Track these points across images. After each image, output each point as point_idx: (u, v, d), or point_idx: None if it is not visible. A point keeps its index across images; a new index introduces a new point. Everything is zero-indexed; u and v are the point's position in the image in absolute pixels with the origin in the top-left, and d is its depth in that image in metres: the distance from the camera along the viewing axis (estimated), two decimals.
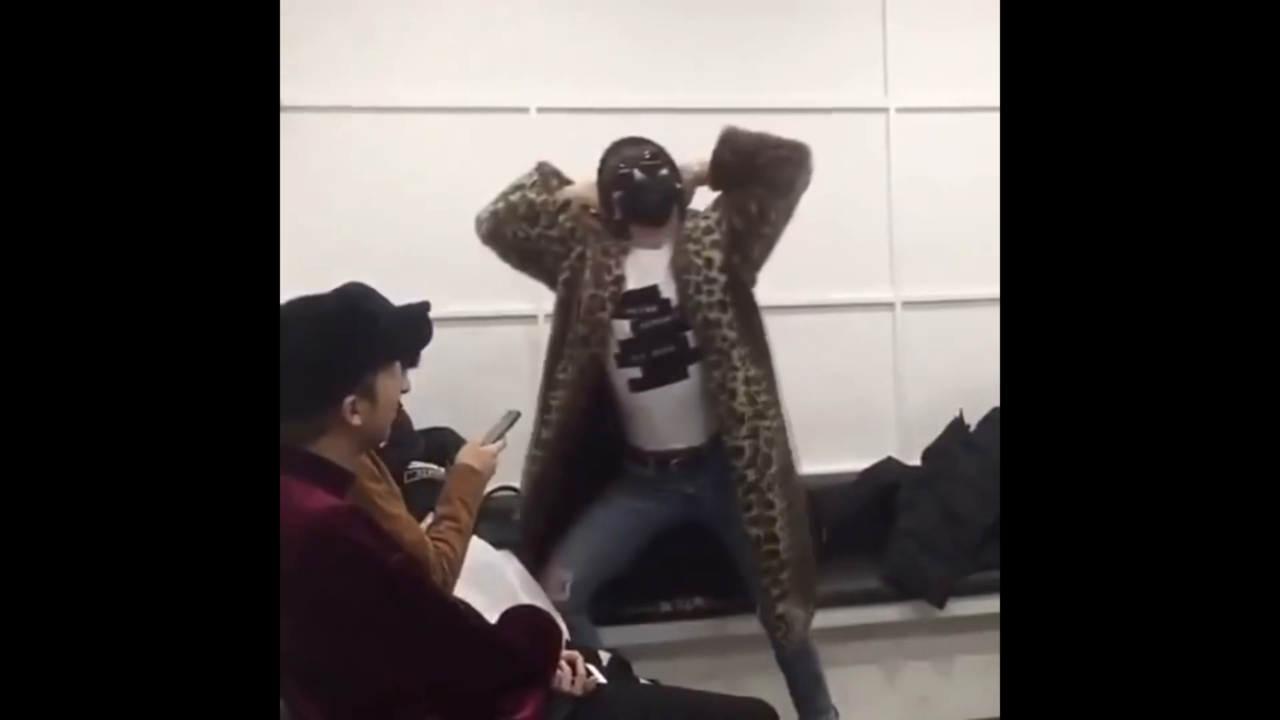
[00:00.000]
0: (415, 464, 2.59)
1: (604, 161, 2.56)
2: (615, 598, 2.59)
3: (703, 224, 2.49)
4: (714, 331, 2.42)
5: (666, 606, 2.71)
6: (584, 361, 2.47)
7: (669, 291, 2.48)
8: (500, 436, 2.00)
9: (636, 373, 2.47)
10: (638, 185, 2.48)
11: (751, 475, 2.43)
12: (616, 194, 2.50)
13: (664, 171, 2.51)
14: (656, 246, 2.52)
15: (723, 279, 2.43)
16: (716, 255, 2.44)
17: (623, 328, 2.47)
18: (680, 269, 2.44)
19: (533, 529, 2.54)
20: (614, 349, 2.48)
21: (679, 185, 2.53)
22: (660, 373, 2.47)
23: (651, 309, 2.47)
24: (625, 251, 2.51)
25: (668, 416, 2.50)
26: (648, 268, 2.51)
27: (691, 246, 2.45)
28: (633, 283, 2.49)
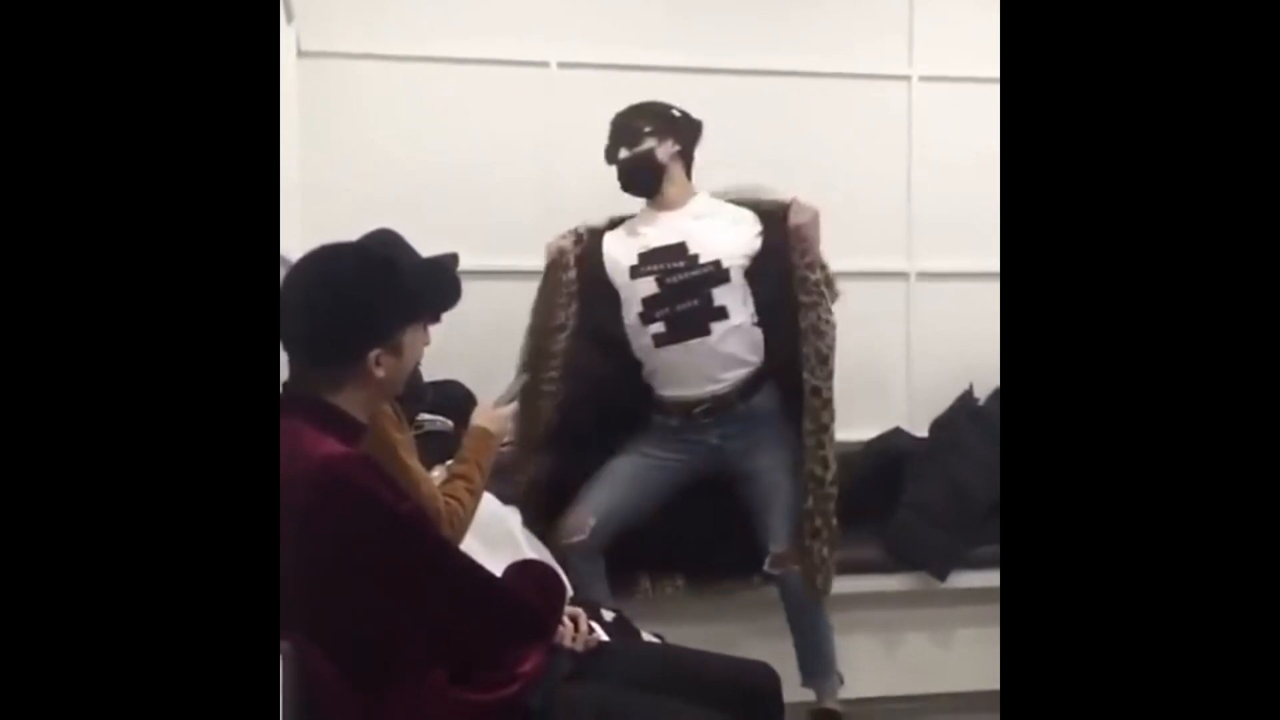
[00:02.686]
0: (424, 416, 2.59)
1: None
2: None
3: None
4: (811, 275, 2.51)
5: (645, 583, 2.71)
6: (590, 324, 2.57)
7: (697, 247, 2.51)
8: (514, 399, 2.02)
9: (660, 328, 2.53)
10: (624, 169, 2.60)
11: (825, 417, 2.51)
12: (617, 175, 2.60)
13: (645, 145, 2.57)
14: (675, 206, 2.54)
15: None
16: None
17: (647, 284, 2.52)
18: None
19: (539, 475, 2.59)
20: (637, 308, 2.54)
21: (659, 158, 2.59)
22: (683, 328, 2.52)
23: (679, 264, 2.53)
24: (644, 220, 2.59)
25: (694, 368, 2.55)
26: (669, 226, 2.55)
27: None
28: (655, 240, 2.52)
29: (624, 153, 2.60)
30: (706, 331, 2.52)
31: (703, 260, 2.52)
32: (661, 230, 2.57)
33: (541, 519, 2.50)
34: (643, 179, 2.61)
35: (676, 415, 2.59)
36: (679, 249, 2.54)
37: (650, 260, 2.54)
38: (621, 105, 2.98)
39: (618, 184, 2.63)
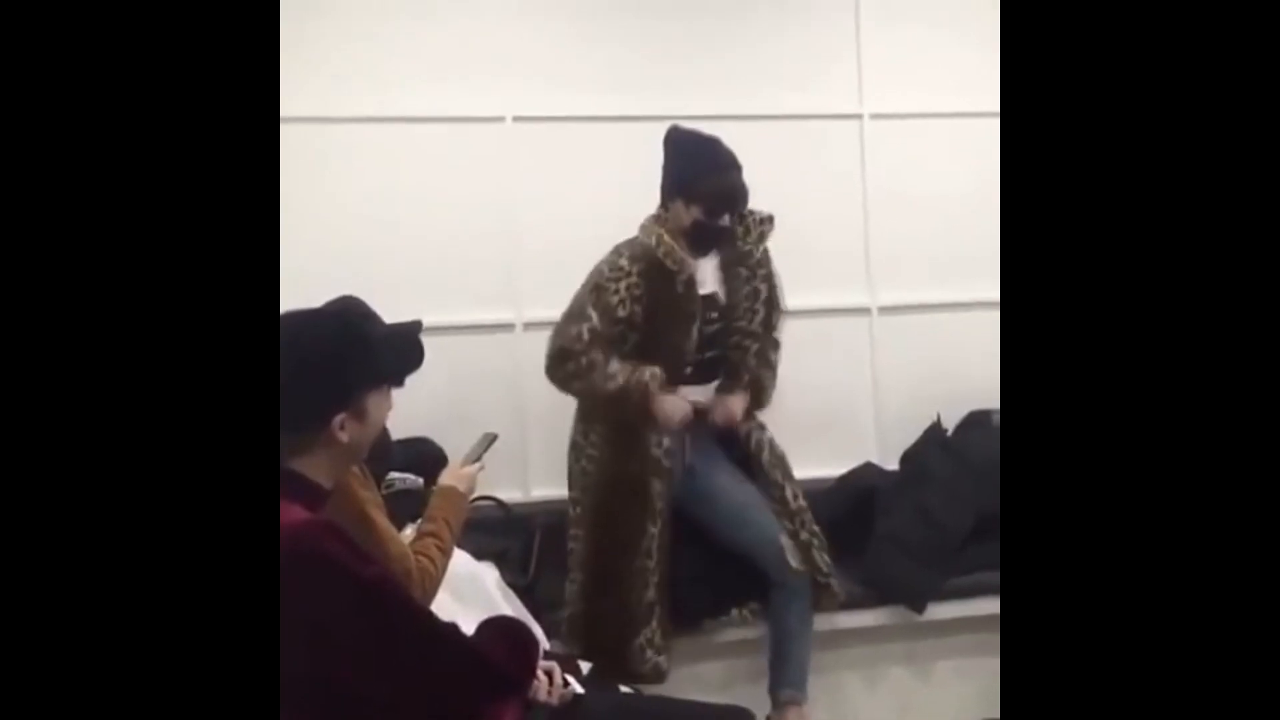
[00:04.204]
0: (394, 474, 2.59)
1: (703, 179, 2.59)
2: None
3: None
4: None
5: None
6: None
7: (722, 295, 2.65)
8: (479, 458, 2.03)
9: (687, 370, 2.62)
10: (723, 231, 2.62)
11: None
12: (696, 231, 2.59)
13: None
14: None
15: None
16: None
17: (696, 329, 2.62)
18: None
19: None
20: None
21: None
22: (704, 373, 2.64)
23: (714, 314, 2.65)
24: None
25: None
26: (708, 272, 2.66)
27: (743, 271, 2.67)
28: (705, 287, 2.64)
29: (727, 220, 2.61)
30: (716, 377, 2.67)
31: (725, 308, 2.65)
32: (703, 275, 2.65)
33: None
34: (726, 237, 2.65)
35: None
36: (714, 299, 2.66)
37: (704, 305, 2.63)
38: (577, 156, 3.02)
39: (703, 225, 2.59)
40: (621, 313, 2.54)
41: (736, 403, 2.66)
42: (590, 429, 2.62)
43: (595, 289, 2.57)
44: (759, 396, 2.75)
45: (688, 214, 2.57)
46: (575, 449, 2.66)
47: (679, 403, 2.57)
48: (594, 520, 2.57)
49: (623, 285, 2.55)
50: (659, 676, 2.47)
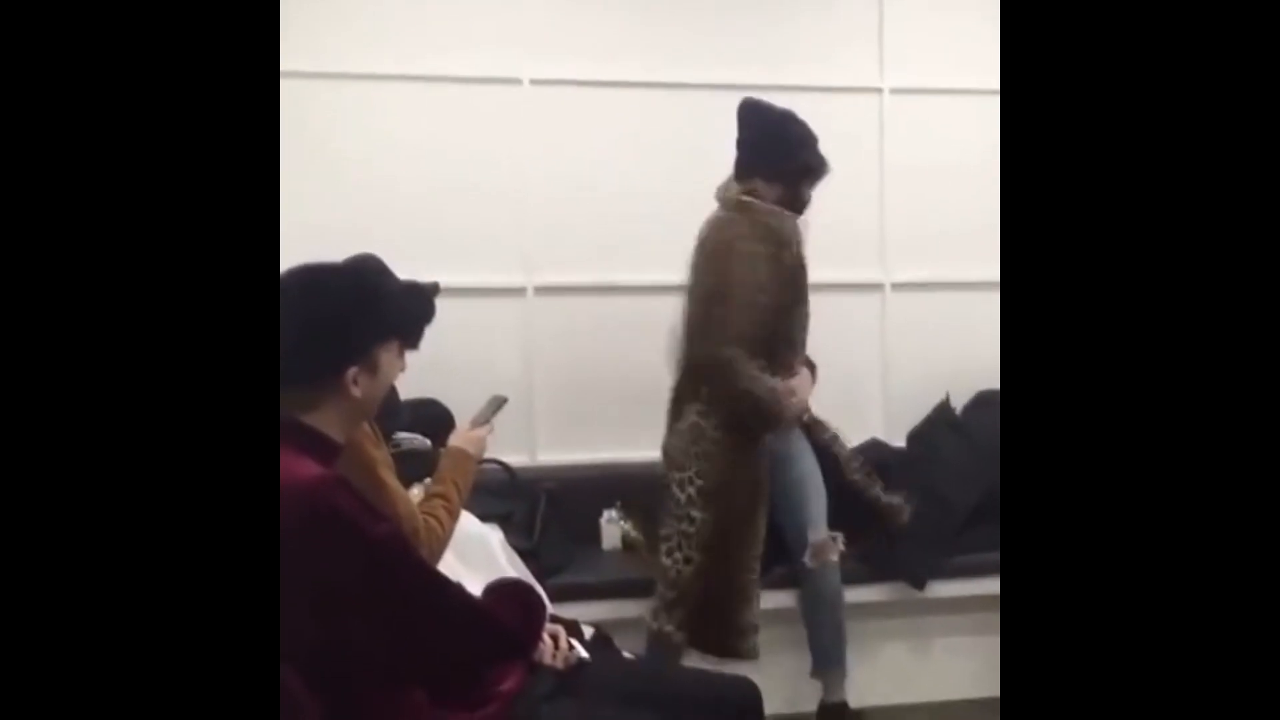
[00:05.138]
0: (401, 435, 2.59)
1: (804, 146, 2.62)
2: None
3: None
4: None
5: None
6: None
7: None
8: (488, 421, 2.02)
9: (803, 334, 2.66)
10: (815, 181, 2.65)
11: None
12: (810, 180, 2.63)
13: None
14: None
15: None
16: None
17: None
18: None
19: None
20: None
21: None
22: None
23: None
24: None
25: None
26: None
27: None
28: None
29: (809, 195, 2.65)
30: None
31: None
32: None
33: None
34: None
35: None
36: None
37: None
38: (593, 122, 3.01)
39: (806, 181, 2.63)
40: (764, 299, 2.50)
41: (808, 387, 2.67)
42: (712, 412, 2.55)
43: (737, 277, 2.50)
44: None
45: (770, 190, 2.57)
46: (696, 431, 2.55)
47: (801, 402, 2.63)
48: (720, 505, 2.53)
49: (762, 269, 2.51)
50: (756, 655, 2.51)
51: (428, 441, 2.59)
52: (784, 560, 2.67)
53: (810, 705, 2.70)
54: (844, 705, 2.68)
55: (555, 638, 1.72)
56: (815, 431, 2.74)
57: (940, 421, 3.17)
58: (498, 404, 2.09)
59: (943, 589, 2.89)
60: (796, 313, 2.59)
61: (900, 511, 2.80)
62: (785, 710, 2.70)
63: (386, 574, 1.38)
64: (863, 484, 2.77)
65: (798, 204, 2.60)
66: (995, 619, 1.44)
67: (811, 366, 2.71)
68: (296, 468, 1.38)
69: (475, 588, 1.62)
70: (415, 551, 1.53)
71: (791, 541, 2.65)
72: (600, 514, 3.07)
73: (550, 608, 1.89)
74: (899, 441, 3.22)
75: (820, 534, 2.63)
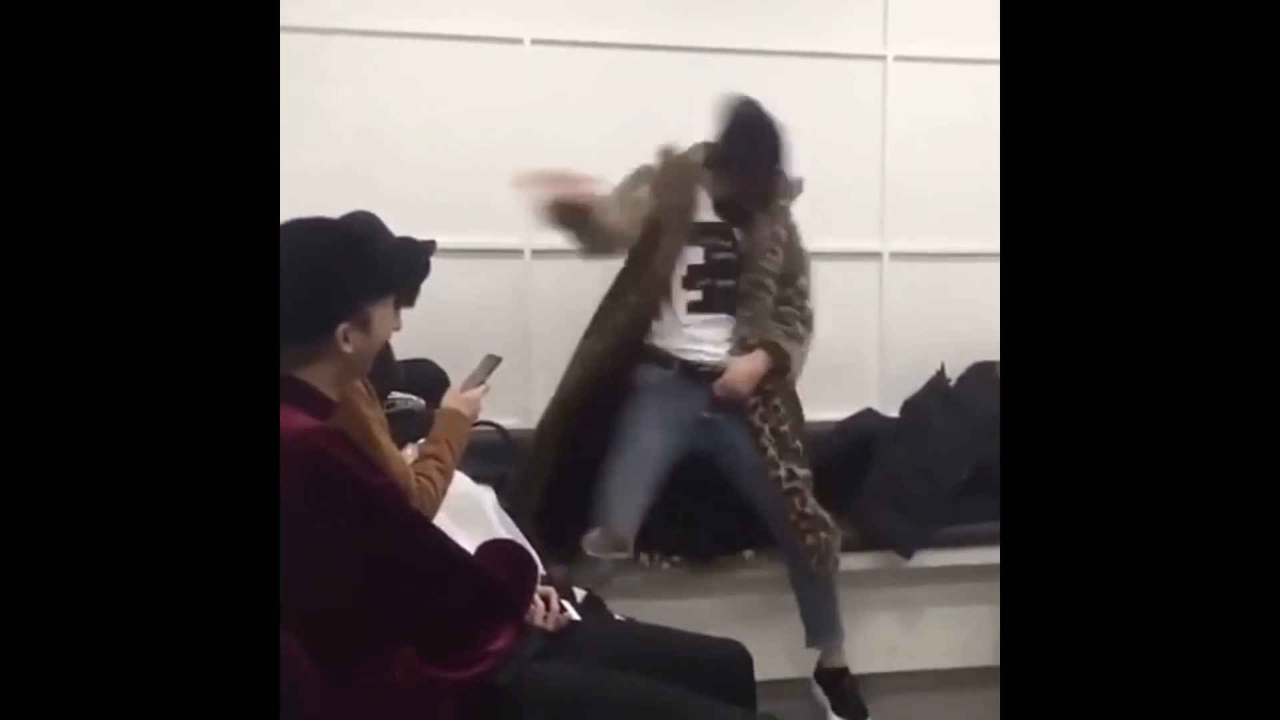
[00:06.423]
0: (396, 394, 2.58)
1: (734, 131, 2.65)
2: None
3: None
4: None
5: (644, 559, 2.75)
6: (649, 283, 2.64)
7: (739, 233, 2.69)
8: (482, 381, 2.02)
9: (698, 295, 2.66)
10: (755, 177, 2.67)
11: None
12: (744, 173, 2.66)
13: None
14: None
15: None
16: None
17: (696, 253, 2.66)
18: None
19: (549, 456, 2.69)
20: (681, 272, 2.66)
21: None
22: (717, 302, 2.67)
23: (726, 243, 2.69)
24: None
25: (709, 339, 2.68)
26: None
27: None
28: (709, 215, 2.68)
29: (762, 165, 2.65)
30: (733, 311, 2.68)
31: (741, 247, 2.69)
32: (708, 209, 2.70)
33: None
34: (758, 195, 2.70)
35: (677, 366, 2.67)
36: (725, 230, 2.70)
37: (700, 233, 2.67)
38: (594, 83, 2.98)
39: (733, 170, 2.67)
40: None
41: (742, 372, 2.64)
42: None
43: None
44: (782, 362, 2.69)
45: (715, 184, 2.68)
46: None
47: (734, 385, 2.64)
48: None
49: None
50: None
51: (422, 402, 2.58)
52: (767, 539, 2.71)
53: None
54: (842, 670, 2.70)
55: (546, 599, 1.73)
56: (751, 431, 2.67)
57: (934, 393, 3.17)
58: (492, 364, 2.08)
59: (932, 559, 2.90)
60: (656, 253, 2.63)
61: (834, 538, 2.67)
62: (794, 674, 2.76)
63: (382, 525, 1.38)
64: (779, 503, 2.64)
65: (728, 207, 2.69)
66: (985, 588, 1.44)
67: (773, 352, 2.68)
68: (291, 420, 1.38)
69: (468, 548, 1.62)
70: (411, 504, 1.54)
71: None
72: None
73: (543, 569, 1.90)
74: (893, 411, 3.22)
75: (614, 527, 2.60)
